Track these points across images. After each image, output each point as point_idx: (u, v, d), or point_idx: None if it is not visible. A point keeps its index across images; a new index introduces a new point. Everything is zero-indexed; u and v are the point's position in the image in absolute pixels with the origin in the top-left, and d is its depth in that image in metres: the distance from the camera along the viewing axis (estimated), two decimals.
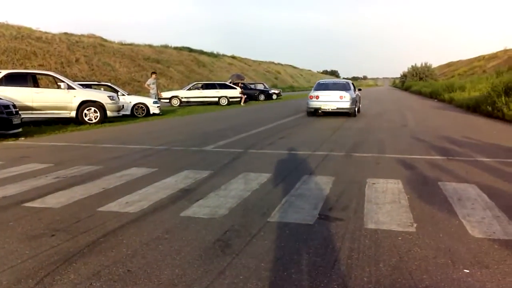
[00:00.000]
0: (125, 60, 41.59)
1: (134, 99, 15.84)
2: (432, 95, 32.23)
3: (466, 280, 2.53)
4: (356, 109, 15.81)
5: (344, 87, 15.78)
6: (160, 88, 39.95)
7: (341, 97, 14.93)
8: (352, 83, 16.92)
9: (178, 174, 5.58)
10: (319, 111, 15.62)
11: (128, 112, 15.28)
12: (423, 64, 74.01)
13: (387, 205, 4.10)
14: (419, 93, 43.34)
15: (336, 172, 5.63)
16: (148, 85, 19.37)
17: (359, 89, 18.31)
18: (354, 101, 15.18)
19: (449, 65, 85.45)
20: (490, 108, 14.57)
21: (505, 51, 55.08)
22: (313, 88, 16.65)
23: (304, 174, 5.54)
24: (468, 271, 2.66)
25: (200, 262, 2.85)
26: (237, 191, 4.68)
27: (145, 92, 20.00)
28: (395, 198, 4.35)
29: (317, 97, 15.44)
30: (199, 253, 2.99)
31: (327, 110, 15.21)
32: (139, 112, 15.62)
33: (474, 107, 16.99)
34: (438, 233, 3.34)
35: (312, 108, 15.57)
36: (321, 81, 18.61)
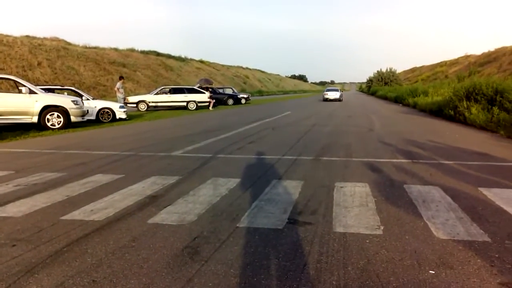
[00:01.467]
0: (90, 63, 40.64)
1: (99, 104, 15.47)
2: (397, 100, 33.08)
3: (432, 281, 2.59)
4: (341, 99, 39.91)
5: (336, 90, 41.31)
6: (127, 92, 39.41)
7: (335, 93, 39.54)
8: (339, 89, 42.99)
9: (145, 180, 5.47)
10: (328, 99, 39.12)
11: (93, 117, 14.92)
12: (388, 70, 76.18)
13: (355, 208, 4.15)
14: (384, 97, 44.43)
15: (305, 176, 5.67)
16: (118, 89, 19.06)
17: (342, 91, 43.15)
18: (341, 95, 40.32)
19: (413, 70, 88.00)
20: (452, 112, 15.06)
21: (466, 56, 57.29)
22: (324, 90, 43.15)
23: (273, 178, 5.54)
24: (433, 272, 2.72)
25: (168, 270, 2.79)
26: (206, 197, 4.63)
27: (111, 97, 19.63)
28: (363, 201, 4.41)
29: (326, 93, 40.48)
30: (167, 261, 2.93)
31: (331, 98, 39.25)
32: (105, 117, 15.27)
33: (437, 111, 17.54)
34: (404, 235, 3.41)
35: (325, 98, 39.76)
36: (327, 87, 44.18)
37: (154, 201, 4.47)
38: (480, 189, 4.90)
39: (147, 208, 4.23)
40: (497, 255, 2.97)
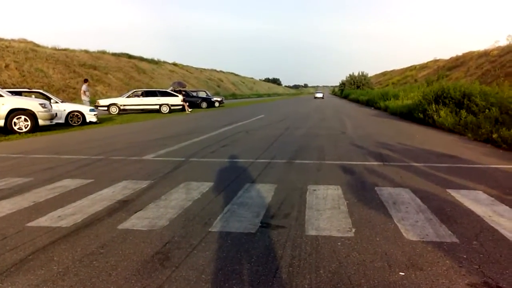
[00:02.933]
0: (59, 66, 39.71)
1: (68, 107, 15.07)
2: (369, 103, 33.69)
3: (402, 283, 2.61)
4: (324, 97, 76.02)
5: (321, 92, 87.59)
6: (98, 95, 38.67)
7: (321, 94, 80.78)
8: (322, 92, 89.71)
9: (116, 185, 5.35)
10: (316, 98, 74.11)
11: (62, 121, 14.53)
12: (360, 73, 77.49)
13: (327, 211, 4.17)
14: (356, 101, 45.19)
15: (278, 180, 5.67)
16: (84, 91, 18.67)
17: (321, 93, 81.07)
18: (323, 95, 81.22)
19: (384, 74, 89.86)
20: (421, 115, 15.41)
21: (435, 61, 58.88)
22: (315, 92, 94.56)
23: (246, 182, 5.52)
24: (403, 274, 2.75)
25: (137, 277, 2.72)
26: (178, 201, 4.56)
27: (81, 100, 19.17)
28: (335, 204, 4.44)
29: (316, 94, 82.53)
30: (136, 268, 2.86)
31: (318, 97, 76.50)
32: (74, 120, 14.89)
33: (407, 114, 17.92)
34: (375, 237, 3.44)
35: (315, 97, 78.46)
36: (316, 90, 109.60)
37: (124, 206, 4.37)
38: (449, 190, 5.02)
39: (117, 213, 4.13)
40: (465, 256, 3.03)
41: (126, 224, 3.77)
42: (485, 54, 38.05)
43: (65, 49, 47.18)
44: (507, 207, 4.28)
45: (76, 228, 3.69)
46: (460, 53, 48.64)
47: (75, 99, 31.42)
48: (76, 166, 6.69)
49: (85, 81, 19.56)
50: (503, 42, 37.20)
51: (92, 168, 6.54)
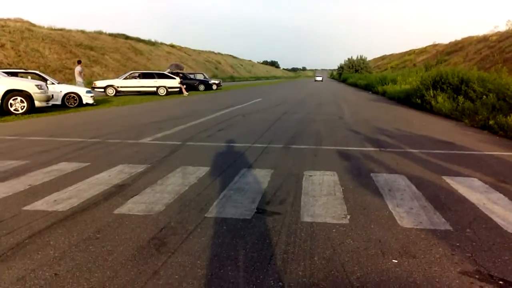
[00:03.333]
0: (55, 46, 39.28)
1: (65, 88, 14.96)
2: (367, 87, 33.60)
3: (395, 271, 2.64)
4: (323, 80, 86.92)
5: (320, 75, 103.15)
6: (95, 76, 38.39)
7: (320, 77, 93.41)
8: (321, 75, 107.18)
9: (112, 169, 5.35)
10: (316, 80, 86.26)
11: (58, 102, 14.45)
12: (359, 57, 77.15)
13: (323, 197, 4.19)
14: (355, 85, 45.04)
15: (274, 165, 5.68)
16: (80, 72, 18.50)
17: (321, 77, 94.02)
18: (322, 78, 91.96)
19: (382, 58, 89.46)
20: (419, 101, 15.39)
21: (434, 45, 58.56)
22: (315, 75, 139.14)
23: (242, 167, 5.53)
24: (396, 261, 2.78)
25: (133, 262, 2.74)
26: (174, 186, 4.57)
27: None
28: (331, 190, 4.46)
29: (316, 77, 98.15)
30: (132, 253, 2.88)
31: (318, 79, 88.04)
32: (71, 102, 14.80)
33: (405, 100, 17.88)
34: (370, 224, 3.46)
35: (315, 79, 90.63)
36: (316, 73, 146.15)
37: (120, 191, 4.38)
38: (444, 177, 5.04)
39: (113, 198, 4.14)
40: (458, 244, 3.06)
41: (123, 209, 3.79)
42: (484, 39, 37.82)
43: (61, 29, 46.60)
44: (501, 195, 4.31)
45: (73, 213, 3.70)
46: (459, 38, 48.41)
47: (72, 80, 31.12)
48: (72, 149, 6.67)
49: (79, 62, 19.33)
50: (502, 28, 36.97)
51: (88, 151, 6.53)
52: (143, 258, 2.81)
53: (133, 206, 3.87)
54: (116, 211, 3.73)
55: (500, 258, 2.82)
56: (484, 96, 11.24)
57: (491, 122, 9.13)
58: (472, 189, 4.53)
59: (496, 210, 3.82)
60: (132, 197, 4.16)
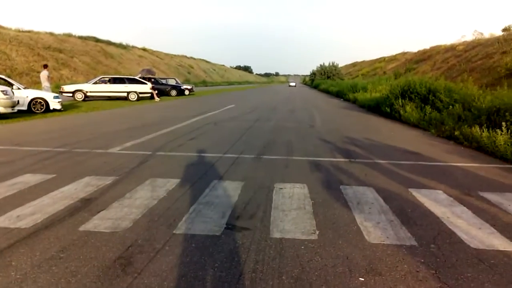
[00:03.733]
0: (23, 48, 38.12)
1: (31, 94, 14.50)
2: (339, 94, 34.07)
3: None
4: (296, 85, 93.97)
5: (294, 81, 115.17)
6: (63, 79, 37.46)
7: (293, 82, 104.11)
8: (295, 81, 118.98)
9: (79, 181, 5.22)
10: (290, 86, 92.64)
11: (24, 108, 14.00)
12: (331, 64, 78.26)
13: (293, 211, 4.21)
14: (327, 91, 45.58)
15: (245, 177, 5.67)
16: (48, 76, 17.99)
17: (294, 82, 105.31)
18: (296, 84, 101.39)
19: (354, 65, 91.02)
20: (388, 110, 15.71)
21: (403, 53, 60.03)
22: (288, 80, 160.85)
23: (213, 179, 5.49)
24: (363, 279, 2.81)
25: (98, 284, 2.68)
26: (143, 200, 4.50)
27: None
28: (301, 204, 4.48)
29: (289, 83, 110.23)
30: (97, 274, 2.81)
31: (291, 85, 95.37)
32: (38, 107, 14.37)
33: (375, 108, 18.22)
34: (338, 239, 3.50)
35: (289, 85, 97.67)
36: (289, 79, 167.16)
37: (87, 205, 4.27)
38: (410, 190, 5.15)
39: (79, 213, 4.03)
40: (422, 260, 3.12)
41: (88, 225, 3.69)
42: (451, 48, 38.99)
43: (29, 31, 45.29)
44: (465, 208, 4.44)
45: (36, 230, 3.59)
46: (427, 47, 49.78)
47: (39, 83, 30.28)
48: (37, 159, 6.48)
49: (45, 66, 18.70)
50: (469, 37, 38.29)
51: (54, 162, 6.35)
52: (108, 279, 2.75)
53: (99, 222, 3.78)
54: (81, 228, 3.63)
55: (463, 275, 2.90)
56: (451, 107, 11.57)
57: (456, 132, 9.40)
58: (437, 202, 4.64)
59: (460, 224, 3.93)
60: (98, 212, 4.06)
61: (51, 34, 48.88)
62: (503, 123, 7.99)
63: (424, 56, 45.72)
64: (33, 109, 14.26)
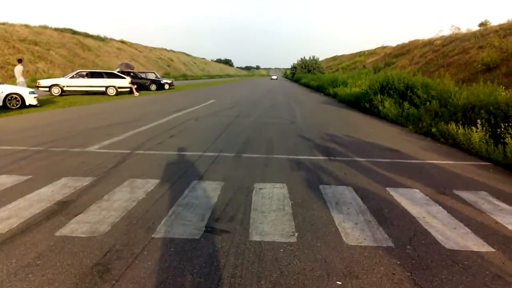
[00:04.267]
0: None
1: (6, 89, 14.14)
2: (319, 89, 34.26)
3: None
4: (277, 78, 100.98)
5: (275, 74, 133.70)
6: (39, 73, 36.63)
7: (275, 76, 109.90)
8: (276, 74, 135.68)
9: (56, 182, 5.14)
10: (271, 79, 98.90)
11: None
12: (311, 58, 78.47)
13: (272, 213, 4.24)
14: (307, 85, 45.77)
15: (225, 177, 5.66)
16: (22, 72, 17.55)
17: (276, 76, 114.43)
18: (277, 77, 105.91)
19: (334, 58, 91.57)
20: (368, 105, 15.89)
21: (383, 48, 60.72)
22: (270, 74, 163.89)
23: (193, 179, 5.48)
24: (340, 283, 2.86)
25: None
26: (122, 202, 4.46)
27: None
28: (280, 205, 4.51)
29: (271, 76, 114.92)
30: (74, 282, 2.79)
31: (273, 78, 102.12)
32: (13, 103, 14.01)
33: (354, 103, 18.39)
34: (317, 242, 3.54)
35: (271, 78, 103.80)
36: (271, 72, 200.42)
37: (64, 208, 4.21)
38: (388, 189, 5.24)
39: (56, 217, 3.97)
40: (398, 262, 3.19)
41: (65, 230, 3.64)
42: (429, 43, 39.59)
43: (3, 23, 44.03)
44: (440, 208, 4.54)
45: (12, 235, 3.52)
46: (406, 41, 50.43)
47: (14, 77, 29.52)
48: (13, 159, 6.34)
49: (19, 61, 18.19)
50: (446, 32, 38.91)
51: (30, 162, 6.22)
52: (85, 287, 2.72)
53: (77, 226, 3.73)
54: (58, 233, 3.59)
55: (437, 277, 2.97)
56: (428, 103, 11.76)
57: (433, 129, 9.58)
58: (413, 202, 4.73)
59: (435, 224, 4.02)
60: (75, 216, 4.01)
61: (27, 26, 47.67)
62: (478, 121, 8.17)
63: (403, 51, 46.30)
64: (8, 105, 13.91)
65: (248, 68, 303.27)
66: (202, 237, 3.58)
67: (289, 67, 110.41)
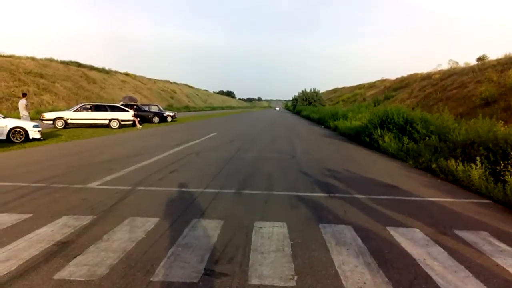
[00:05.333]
0: (4, 73, 37.80)
1: (10, 123, 14.31)
2: (320, 121, 34.49)
3: None
4: (280, 109, 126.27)
5: (278, 106, 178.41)
6: (44, 104, 37.07)
7: (278, 108, 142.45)
8: (280, 105, 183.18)
9: (56, 221, 5.15)
10: (275, 109, 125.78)
11: (3, 137, 13.80)
12: (312, 90, 79.41)
13: (271, 254, 4.23)
14: (308, 117, 46.11)
15: (225, 215, 5.67)
16: (26, 105, 17.82)
17: (278, 107, 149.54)
18: (281, 108, 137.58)
19: (335, 90, 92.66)
20: (368, 139, 15.96)
21: (382, 81, 61.59)
22: (271, 106, 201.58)
23: (193, 217, 5.48)
24: None
25: None
26: (121, 242, 4.46)
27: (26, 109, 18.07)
28: (280, 245, 4.50)
29: (275, 108, 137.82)
30: None
31: (276, 109, 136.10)
32: (17, 137, 14.16)
33: (355, 137, 18.48)
34: (316, 286, 3.53)
35: (275, 109, 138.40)
36: (271, 105, 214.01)
37: (63, 249, 4.21)
38: (388, 228, 5.23)
39: (55, 259, 3.97)
40: None
41: (63, 273, 3.64)
42: (427, 76, 40.11)
43: (10, 56, 45.01)
44: (440, 249, 4.52)
45: (10, 278, 3.53)
46: (405, 75, 51.17)
47: (18, 108, 29.91)
48: (14, 197, 6.37)
49: (24, 95, 18.52)
50: (445, 66, 39.51)
51: (31, 199, 6.25)
52: None
53: (75, 269, 3.73)
54: (56, 276, 3.58)
55: None
56: (427, 138, 11.83)
57: (433, 165, 9.60)
58: (414, 242, 4.72)
59: (436, 267, 4.00)
60: (74, 257, 4.01)
61: (33, 59, 48.65)
62: (477, 158, 8.20)
63: (402, 84, 46.88)
64: (12, 138, 14.06)
65: (250, 100, 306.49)
66: (200, 280, 3.57)
67: (290, 98, 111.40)
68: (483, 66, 29.34)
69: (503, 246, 4.71)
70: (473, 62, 36.48)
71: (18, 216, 5.33)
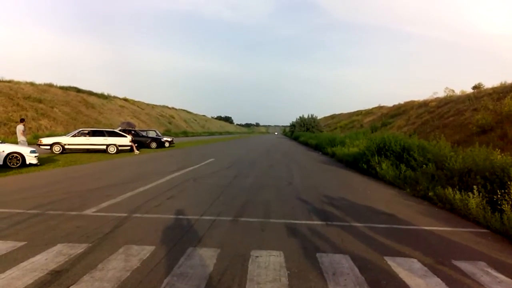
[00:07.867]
0: (2, 98, 37.98)
1: (7, 148, 14.31)
2: (317, 147, 34.57)
3: None
4: (278, 135, 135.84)
5: (277, 131, 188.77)
6: (42, 129, 37.12)
7: (276, 133, 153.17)
8: (279, 130, 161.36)
9: (50, 249, 5.10)
10: (274, 134, 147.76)
11: (0, 163, 13.78)
12: (310, 116, 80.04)
13: (268, 284, 4.18)
14: (306, 143, 46.23)
15: (221, 243, 5.62)
16: (23, 131, 17.86)
17: (277, 133, 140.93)
18: (279, 134, 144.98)
19: (332, 117, 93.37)
20: (365, 166, 15.98)
21: (379, 107, 62.15)
22: (269, 131, 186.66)
23: (189, 246, 5.44)
24: None
25: None
26: (115, 271, 4.40)
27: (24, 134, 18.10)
28: (276, 275, 4.45)
29: (274, 133, 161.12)
30: None
31: (275, 134, 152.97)
32: (13, 162, 14.13)
33: (352, 163, 18.51)
34: None
35: (274, 135, 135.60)
36: (269, 130, 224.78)
37: (57, 279, 4.16)
38: (386, 258, 5.19)
39: None
40: None
41: None
42: (424, 104, 40.50)
43: (9, 81, 45.32)
44: (439, 280, 4.48)
45: None
46: (402, 102, 51.68)
47: (16, 133, 29.91)
48: (9, 224, 6.32)
49: (22, 120, 18.61)
50: (441, 94, 39.98)
51: (26, 227, 6.19)
52: None
53: None
54: None
55: None
56: (424, 166, 11.86)
57: (430, 193, 9.60)
58: (412, 273, 4.68)
59: None
60: (68, 287, 3.95)
61: (32, 84, 49.01)
62: (474, 186, 8.20)
63: (399, 111, 47.25)
64: (8, 163, 14.03)
65: (248, 125, 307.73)
66: None
67: (288, 124, 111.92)
68: (479, 94, 29.69)
69: (501, 277, 4.67)
70: (469, 90, 36.99)
71: (13, 243, 5.28)
